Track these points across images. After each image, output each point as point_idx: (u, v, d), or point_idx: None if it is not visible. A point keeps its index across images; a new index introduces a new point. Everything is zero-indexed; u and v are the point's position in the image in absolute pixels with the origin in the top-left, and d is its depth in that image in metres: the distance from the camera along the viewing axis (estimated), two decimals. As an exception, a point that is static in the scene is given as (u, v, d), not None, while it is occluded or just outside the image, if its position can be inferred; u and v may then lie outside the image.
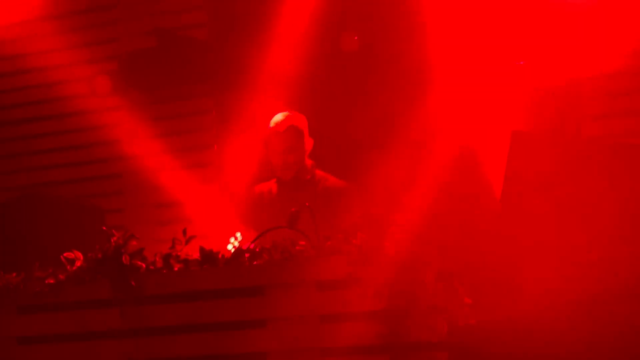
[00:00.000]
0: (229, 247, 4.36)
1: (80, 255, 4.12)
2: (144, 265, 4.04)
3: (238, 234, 4.91)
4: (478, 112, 5.29)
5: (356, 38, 6.14)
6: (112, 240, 4.06)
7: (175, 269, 4.01)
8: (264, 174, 5.44)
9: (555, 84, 5.63)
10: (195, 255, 4.03)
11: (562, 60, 5.69)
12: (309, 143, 5.25)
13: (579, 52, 5.70)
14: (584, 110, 5.73)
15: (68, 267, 4.11)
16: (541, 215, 3.89)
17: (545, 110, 5.53)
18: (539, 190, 3.95)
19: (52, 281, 4.11)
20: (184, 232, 4.06)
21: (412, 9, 5.96)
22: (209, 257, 4.00)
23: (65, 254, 4.14)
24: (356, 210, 4.99)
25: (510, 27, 5.78)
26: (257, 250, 3.97)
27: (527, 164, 4.02)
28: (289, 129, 5.18)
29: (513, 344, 3.68)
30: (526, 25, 5.76)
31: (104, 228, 4.20)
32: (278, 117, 5.26)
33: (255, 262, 3.92)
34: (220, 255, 4.00)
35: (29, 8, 6.80)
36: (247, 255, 3.96)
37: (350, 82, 6.13)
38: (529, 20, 5.76)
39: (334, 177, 5.26)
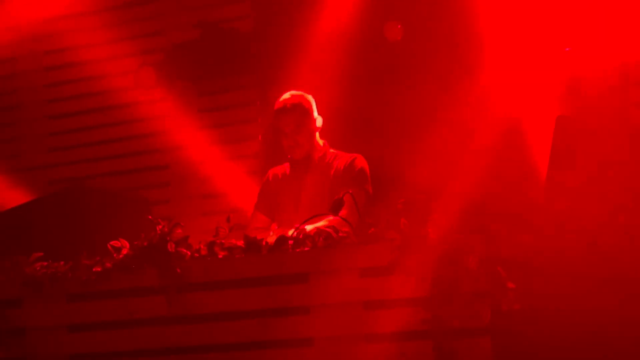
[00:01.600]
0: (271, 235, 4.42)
1: (126, 243, 4.19)
2: (189, 253, 4.08)
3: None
4: (524, 97, 5.25)
5: (400, 27, 6.14)
6: (157, 229, 4.11)
7: (220, 256, 4.05)
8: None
9: (602, 70, 5.59)
10: (240, 242, 4.08)
11: (608, 46, 5.65)
12: (318, 121, 5.13)
13: (626, 38, 5.66)
14: (629, 97, 5.68)
15: (114, 255, 4.17)
16: (586, 200, 3.89)
17: (591, 96, 5.49)
18: (583, 174, 3.94)
19: (99, 269, 4.17)
20: (228, 219, 4.11)
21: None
22: (253, 245, 4.04)
23: (111, 242, 4.20)
24: (368, 181, 5.00)
25: (557, 12, 5.74)
26: (301, 237, 4.01)
27: (572, 149, 4.02)
28: (295, 108, 5.06)
29: (557, 329, 3.69)
30: (573, 11, 5.72)
31: (150, 217, 4.26)
32: (284, 96, 5.14)
33: (298, 250, 3.96)
34: (264, 243, 4.05)
35: (76, 1, 6.90)
36: (290, 242, 4.00)
37: (395, 70, 6.13)
38: (576, 6, 5.72)
39: (346, 152, 5.16)
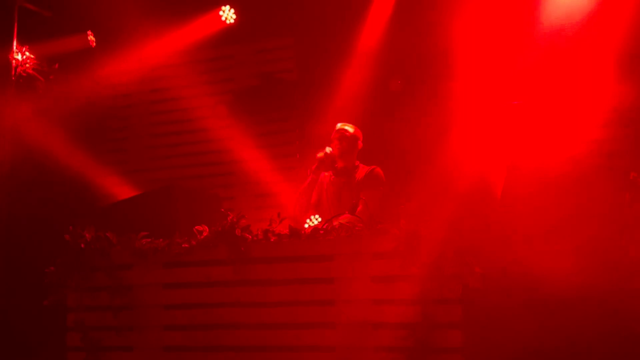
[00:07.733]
0: (307, 224, 4.41)
1: (206, 228, 4.20)
2: (250, 237, 4.10)
3: (314, 217, 4.94)
4: (487, 143, 5.07)
5: (399, 82, 6.12)
6: (228, 219, 4.13)
7: (272, 240, 4.07)
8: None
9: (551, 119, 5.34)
10: (286, 231, 4.09)
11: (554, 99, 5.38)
12: (359, 145, 5.27)
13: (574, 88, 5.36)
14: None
15: (198, 236, 4.19)
16: (529, 214, 3.87)
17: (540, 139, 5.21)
18: (527, 200, 3.93)
19: (186, 245, 4.20)
20: (279, 214, 4.12)
21: (441, 56, 5.80)
22: (295, 232, 4.05)
23: (196, 227, 4.22)
24: (383, 184, 5.03)
25: (507, 66, 5.50)
26: (329, 229, 4.02)
27: (517, 184, 4.01)
28: (353, 134, 5.22)
29: (514, 299, 3.66)
30: (522, 64, 5.44)
31: (222, 210, 4.27)
32: (346, 124, 5.29)
33: (327, 237, 3.97)
34: (303, 232, 4.05)
35: (172, 55, 6.91)
36: (321, 232, 4.01)
37: (396, 113, 6.09)
38: (524, 60, 5.42)
39: (366, 165, 5.25)
